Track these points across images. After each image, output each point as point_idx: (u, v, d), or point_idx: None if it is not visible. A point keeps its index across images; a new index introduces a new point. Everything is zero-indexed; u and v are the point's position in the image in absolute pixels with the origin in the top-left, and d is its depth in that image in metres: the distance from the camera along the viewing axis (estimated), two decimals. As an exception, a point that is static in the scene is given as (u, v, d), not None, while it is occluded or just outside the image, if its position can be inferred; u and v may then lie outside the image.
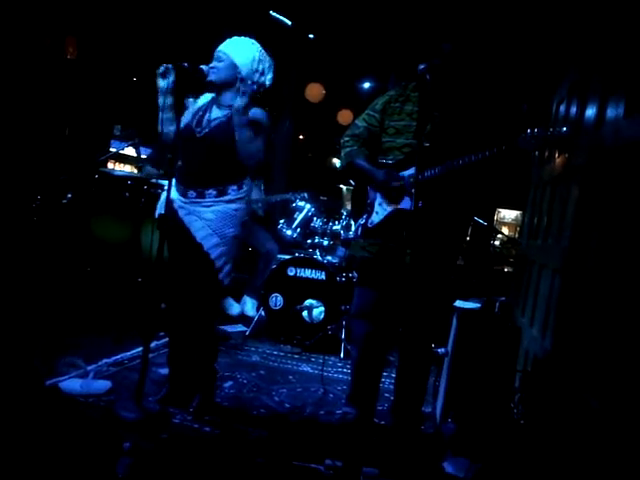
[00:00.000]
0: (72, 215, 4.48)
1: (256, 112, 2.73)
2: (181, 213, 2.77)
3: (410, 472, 2.53)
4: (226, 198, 2.73)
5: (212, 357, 2.91)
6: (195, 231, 2.73)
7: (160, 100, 2.77)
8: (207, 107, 2.84)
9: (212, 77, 2.74)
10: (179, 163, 2.85)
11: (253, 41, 2.81)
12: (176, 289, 2.83)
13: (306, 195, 5.09)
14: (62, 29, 6.14)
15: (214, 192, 2.73)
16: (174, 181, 2.80)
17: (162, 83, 2.75)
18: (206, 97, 2.91)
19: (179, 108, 2.71)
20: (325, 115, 9.35)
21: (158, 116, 2.81)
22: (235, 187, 2.76)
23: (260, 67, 2.77)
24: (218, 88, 2.80)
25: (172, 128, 2.80)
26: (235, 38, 2.79)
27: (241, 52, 2.75)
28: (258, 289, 5.00)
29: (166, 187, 2.78)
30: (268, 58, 2.83)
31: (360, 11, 6.29)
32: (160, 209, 2.80)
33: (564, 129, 2.47)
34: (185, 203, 2.77)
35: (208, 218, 2.71)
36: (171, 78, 2.73)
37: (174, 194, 2.79)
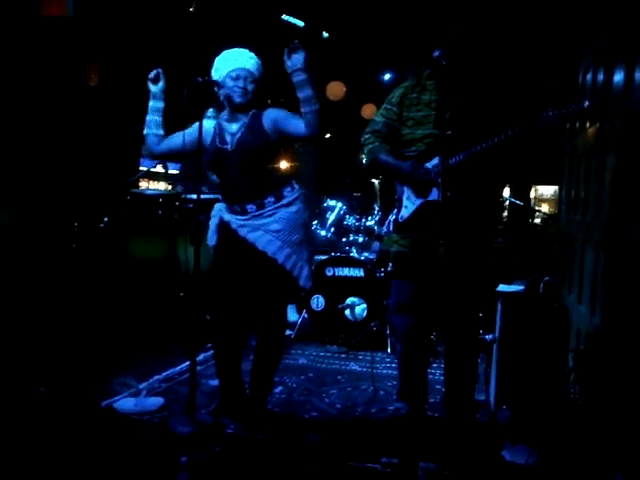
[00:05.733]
0: (110, 238, 4.58)
1: (271, 111, 2.76)
2: (243, 232, 2.76)
3: (469, 463, 2.49)
4: (285, 201, 2.75)
5: (277, 366, 2.94)
6: (264, 246, 2.72)
7: (150, 103, 2.84)
8: (216, 123, 2.84)
9: (249, 97, 2.73)
10: (219, 182, 2.86)
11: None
12: (242, 305, 2.83)
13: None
14: (84, 57, 6.28)
15: (272, 199, 2.74)
16: (223, 205, 2.83)
17: (153, 88, 2.83)
18: (209, 121, 2.87)
19: (200, 122, 2.67)
20: (349, 112, 9.31)
21: (145, 118, 2.85)
22: (289, 188, 2.79)
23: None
24: (245, 105, 2.75)
25: (161, 132, 2.84)
26: (243, 52, 2.76)
27: (255, 65, 2.76)
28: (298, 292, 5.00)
29: (213, 213, 2.85)
30: None
31: (370, 2, 6.24)
32: (212, 235, 2.84)
33: (586, 103, 2.40)
34: (246, 220, 2.75)
35: (275, 229, 2.72)
36: (161, 83, 2.82)
37: (227, 216, 2.80)
